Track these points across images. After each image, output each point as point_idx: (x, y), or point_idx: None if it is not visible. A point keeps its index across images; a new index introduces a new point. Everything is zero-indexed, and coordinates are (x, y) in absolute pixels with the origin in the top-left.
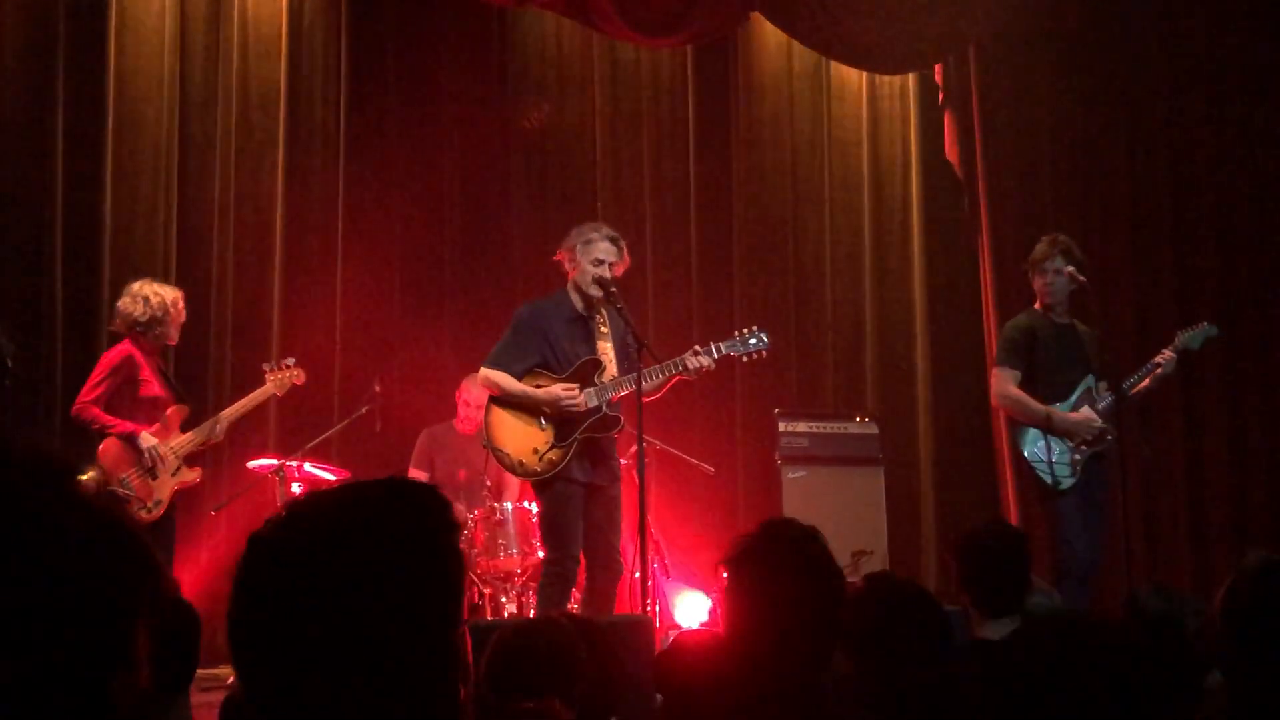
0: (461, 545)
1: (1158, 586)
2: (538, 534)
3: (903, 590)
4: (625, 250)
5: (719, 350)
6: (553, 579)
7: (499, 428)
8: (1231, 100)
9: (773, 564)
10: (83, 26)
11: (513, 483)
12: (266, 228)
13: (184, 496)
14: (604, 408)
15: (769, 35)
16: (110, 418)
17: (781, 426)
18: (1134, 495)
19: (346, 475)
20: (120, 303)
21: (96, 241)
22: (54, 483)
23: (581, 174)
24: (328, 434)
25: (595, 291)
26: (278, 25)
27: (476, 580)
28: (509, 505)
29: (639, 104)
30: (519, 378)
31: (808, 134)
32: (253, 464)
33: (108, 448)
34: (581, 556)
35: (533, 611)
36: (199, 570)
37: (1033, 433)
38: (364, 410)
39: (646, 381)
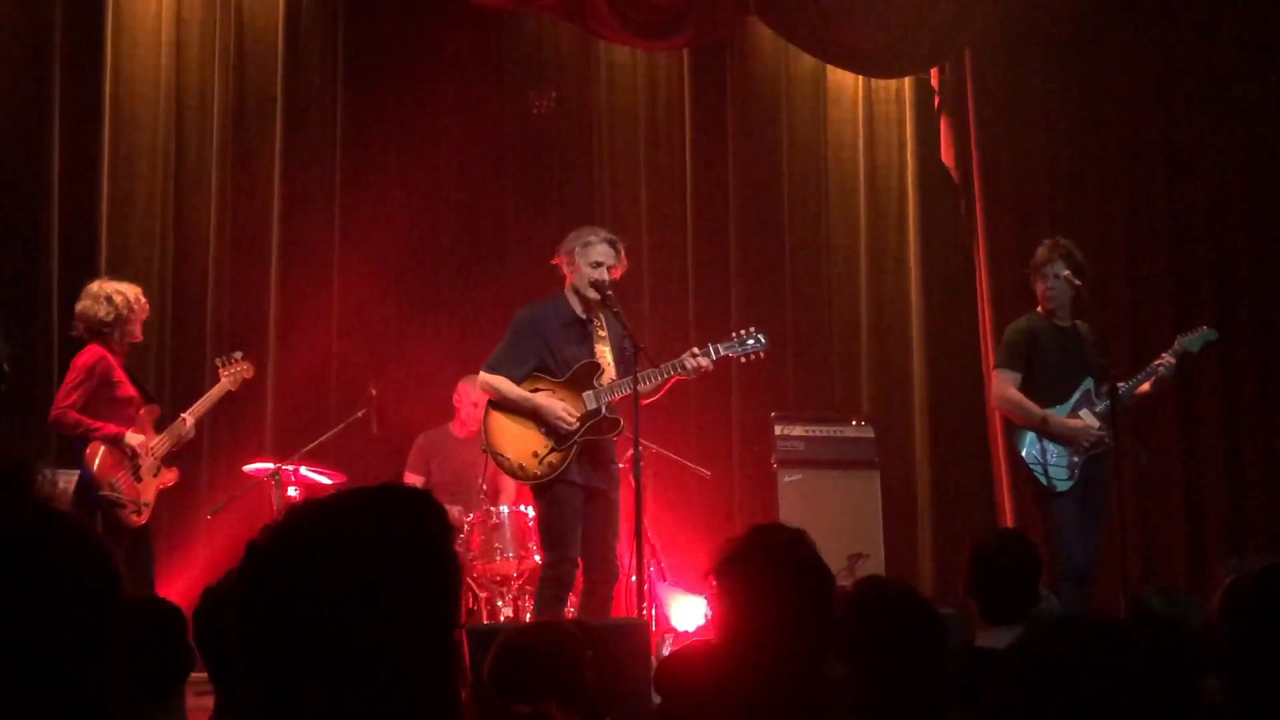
0: (457, 549)
1: (1160, 588)
2: (534, 538)
3: (895, 593)
4: (623, 253)
5: (717, 352)
6: (550, 582)
7: (498, 432)
8: (1227, 103)
9: (759, 568)
10: (80, 29)
11: (509, 486)
12: (263, 230)
13: (179, 501)
14: (603, 410)
15: (765, 39)
16: (93, 421)
17: (778, 430)
18: (1130, 498)
19: (342, 479)
20: (80, 306)
21: (93, 243)
22: (6, 484)
23: (578, 177)
24: (324, 437)
25: (593, 294)
26: (275, 27)
27: (472, 584)
28: (505, 509)
29: (636, 107)
30: (518, 382)
31: (804, 137)
32: (249, 468)
33: (94, 452)
34: (579, 560)
35: (529, 615)
36: (194, 574)
37: (1030, 435)
38: (360, 414)
39: (644, 384)
